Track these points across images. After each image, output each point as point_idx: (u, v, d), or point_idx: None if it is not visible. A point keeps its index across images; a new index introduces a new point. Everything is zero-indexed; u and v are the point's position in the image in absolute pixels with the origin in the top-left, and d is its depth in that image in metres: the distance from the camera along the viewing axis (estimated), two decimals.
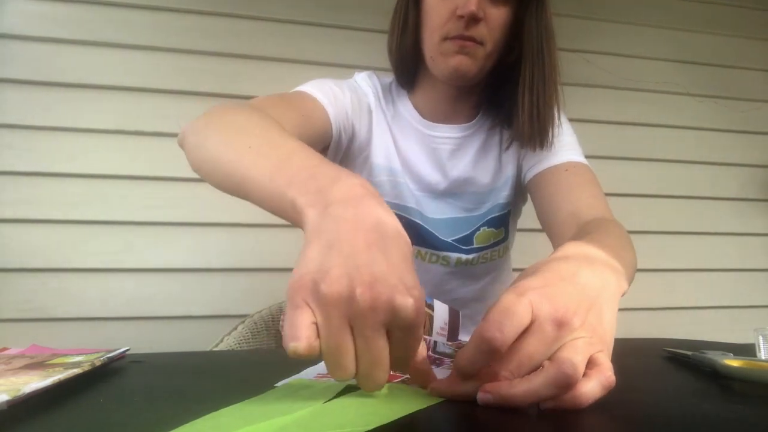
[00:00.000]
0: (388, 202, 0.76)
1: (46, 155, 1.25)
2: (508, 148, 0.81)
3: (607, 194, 1.58)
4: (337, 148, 0.77)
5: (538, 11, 0.73)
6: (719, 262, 1.67)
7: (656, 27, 1.69)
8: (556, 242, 0.72)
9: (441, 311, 0.65)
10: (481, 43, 0.71)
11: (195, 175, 1.31)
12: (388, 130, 0.81)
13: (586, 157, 1.65)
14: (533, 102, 0.74)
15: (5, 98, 1.24)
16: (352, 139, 0.78)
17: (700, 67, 1.71)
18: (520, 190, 0.87)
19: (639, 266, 1.70)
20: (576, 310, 0.36)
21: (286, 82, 1.40)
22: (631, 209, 1.61)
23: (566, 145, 0.79)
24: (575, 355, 0.34)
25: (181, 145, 0.58)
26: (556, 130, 0.78)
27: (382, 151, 0.80)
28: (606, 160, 1.61)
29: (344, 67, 1.41)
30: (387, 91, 0.85)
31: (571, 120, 1.59)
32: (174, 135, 1.31)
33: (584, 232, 0.62)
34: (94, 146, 1.28)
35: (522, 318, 0.35)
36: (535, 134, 0.75)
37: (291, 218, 0.40)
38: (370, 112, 0.81)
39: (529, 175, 0.81)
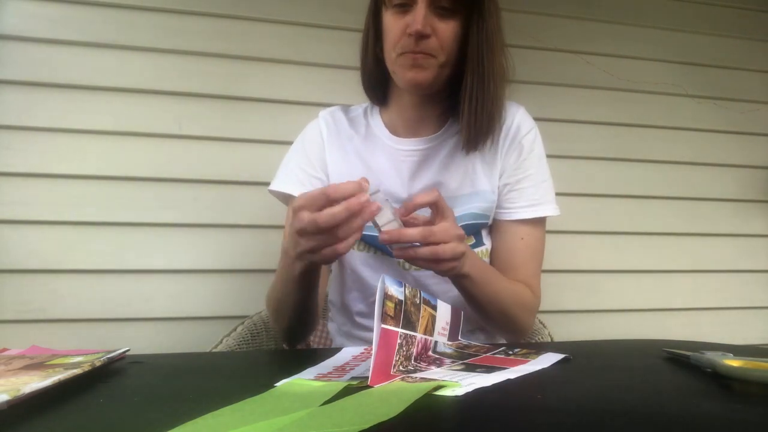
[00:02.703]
0: None
1: (44, 156, 1.24)
2: (463, 150, 0.83)
3: (605, 195, 1.60)
4: None
5: (478, 22, 0.76)
6: (719, 263, 1.67)
7: (655, 28, 1.69)
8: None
9: (443, 311, 0.65)
10: (433, 56, 0.75)
11: (194, 177, 1.32)
12: (354, 156, 0.87)
13: (586, 158, 1.65)
14: (471, 109, 0.78)
15: (4, 99, 1.23)
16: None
17: (699, 68, 1.71)
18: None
19: (638, 268, 1.70)
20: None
21: (287, 83, 1.41)
22: (630, 210, 1.61)
23: (540, 196, 0.85)
24: None
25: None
26: (496, 136, 0.83)
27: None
28: (605, 161, 1.61)
29: (344, 69, 1.41)
30: (361, 116, 0.91)
31: (570, 121, 1.61)
32: (173, 136, 1.32)
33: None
34: (93, 147, 1.27)
35: None
36: (471, 139, 0.80)
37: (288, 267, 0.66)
38: (324, 151, 0.87)
39: (503, 216, 0.85)
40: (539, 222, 0.86)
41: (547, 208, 0.85)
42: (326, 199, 0.53)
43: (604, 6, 1.64)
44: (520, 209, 0.84)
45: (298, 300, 0.71)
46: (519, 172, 0.85)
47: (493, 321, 0.80)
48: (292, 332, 0.80)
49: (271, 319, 0.83)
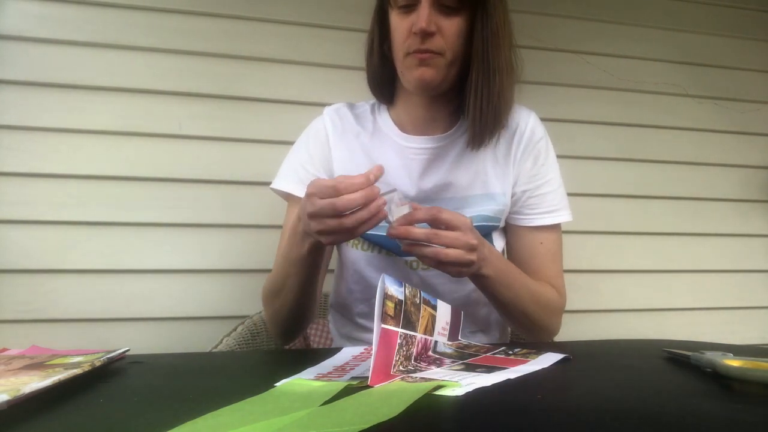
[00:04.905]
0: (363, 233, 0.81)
1: (45, 156, 1.24)
2: (467, 148, 0.83)
3: (606, 195, 1.59)
4: None
5: (483, 18, 0.76)
6: (719, 263, 1.67)
7: (656, 28, 1.69)
8: None
9: (443, 311, 0.65)
10: (440, 54, 0.75)
11: (195, 176, 1.32)
12: (360, 153, 0.86)
13: (586, 158, 1.65)
14: (476, 105, 0.78)
15: (4, 99, 1.23)
16: None
17: (699, 68, 1.71)
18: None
19: (639, 268, 1.70)
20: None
21: (287, 83, 1.41)
22: (630, 210, 1.61)
23: (558, 201, 0.86)
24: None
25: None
26: (509, 140, 0.84)
27: None
28: (605, 161, 1.61)
29: (344, 68, 1.41)
30: (368, 112, 0.91)
31: (570, 121, 1.61)
32: (174, 136, 1.32)
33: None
34: (93, 147, 1.27)
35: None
36: (476, 135, 0.80)
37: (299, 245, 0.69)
38: (329, 150, 0.87)
39: (521, 222, 0.86)
40: (556, 226, 0.86)
41: (564, 213, 0.86)
42: (335, 193, 0.57)
43: (604, 6, 1.64)
44: (540, 216, 0.85)
45: (300, 282, 0.73)
46: (537, 178, 0.85)
47: (516, 322, 0.81)
48: (288, 322, 0.80)
49: (267, 312, 0.83)
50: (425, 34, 0.73)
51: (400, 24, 0.76)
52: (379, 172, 0.59)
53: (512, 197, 0.85)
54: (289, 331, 0.84)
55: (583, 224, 1.56)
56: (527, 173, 0.84)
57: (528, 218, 0.85)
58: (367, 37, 0.85)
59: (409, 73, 0.77)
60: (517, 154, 0.84)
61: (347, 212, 0.58)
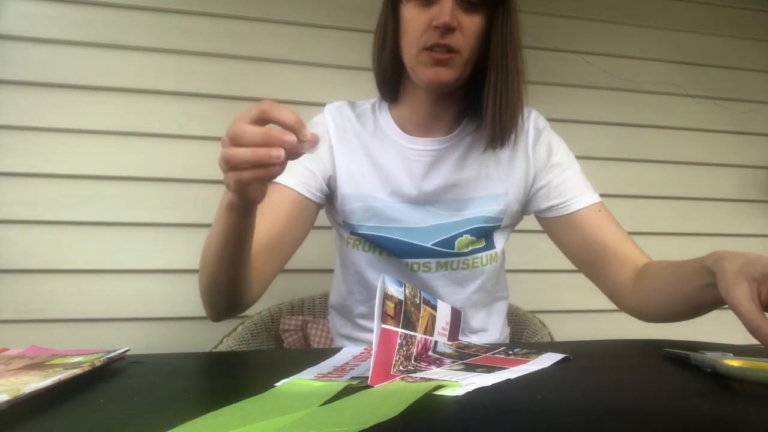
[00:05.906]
0: (364, 234, 0.84)
1: (45, 156, 1.25)
2: (485, 150, 0.83)
3: (606, 195, 1.56)
4: (331, 194, 0.86)
5: (503, 19, 0.74)
6: None
7: (655, 28, 1.69)
8: (611, 271, 0.84)
9: (443, 311, 0.65)
10: (456, 52, 0.74)
11: (194, 176, 1.32)
12: (361, 152, 0.85)
13: (586, 158, 1.66)
14: (496, 105, 0.77)
15: (4, 99, 1.24)
16: (329, 181, 0.85)
17: (699, 68, 1.71)
18: (519, 217, 0.90)
19: None
20: None
21: (287, 83, 1.41)
22: (630, 210, 1.61)
23: (585, 183, 0.86)
24: None
25: None
26: (519, 132, 0.82)
27: (348, 180, 0.84)
28: (605, 161, 1.61)
29: (344, 68, 1.41)
30: (369, 112, 0.89)
31: (570, 121, 1.61)
32: (174, 136, 1.32)
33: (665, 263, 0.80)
34: (94, 147, 1.28)
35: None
36: (496, 136, 0.79)
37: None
38: (330, 147, 0.85)
39: (569, 208, 0.84)
40: (599, 202, 0.85)
41: (594, 194, 0.86)
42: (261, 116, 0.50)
43: (604, 6, 1.64)
44: (582, 195, 0.84)
45: (220, 245, 0.67)
46: (558, 167, 0.85)
47: None
48: (212, 293, 0.72)
49: (199, 282, 0.73)
50: (447, 29, 0.71)
51: (416, 17, 0.73)
52: (315, 138, 0.51)
53: (539, 191, 0.85)
54: (214, 303, 0.73)
55: None
56: (544, 164, 0.85)
57: (571, 203, 0.83)
58: (375, 32, 0.83)
59: (422, 71, 0.75)
60: (529, 148, 0.84)
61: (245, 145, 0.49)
